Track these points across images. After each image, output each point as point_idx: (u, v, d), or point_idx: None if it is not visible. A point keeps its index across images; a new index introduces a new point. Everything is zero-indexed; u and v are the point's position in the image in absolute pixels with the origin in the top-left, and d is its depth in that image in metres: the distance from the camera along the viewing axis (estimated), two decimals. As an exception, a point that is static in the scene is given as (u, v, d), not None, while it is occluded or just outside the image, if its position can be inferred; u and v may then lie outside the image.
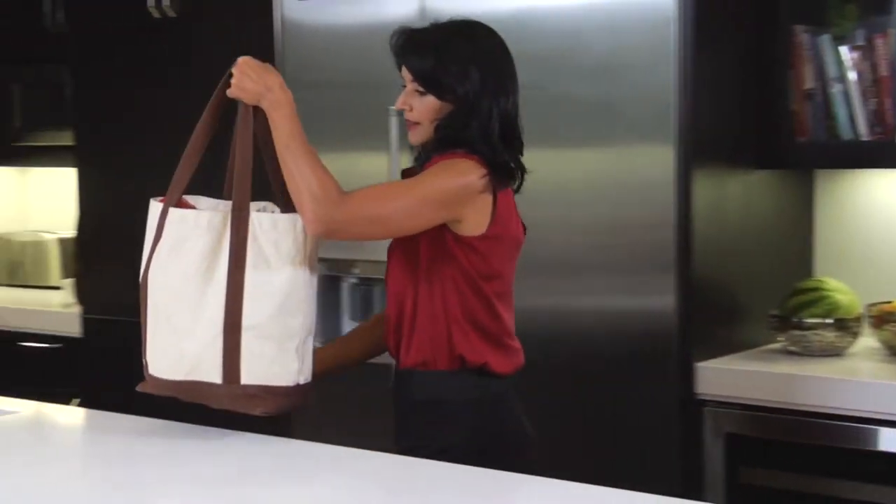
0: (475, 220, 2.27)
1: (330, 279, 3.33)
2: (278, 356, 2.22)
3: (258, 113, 2.26)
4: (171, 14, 3.77)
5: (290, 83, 3.29)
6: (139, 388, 2.28)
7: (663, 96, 2.79)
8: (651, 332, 2.84)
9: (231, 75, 2.26)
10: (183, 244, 2.21)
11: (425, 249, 2.29)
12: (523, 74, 2.94)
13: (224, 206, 2.27)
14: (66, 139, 4.21)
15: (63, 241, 4.50)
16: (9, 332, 4.19)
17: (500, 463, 2.13)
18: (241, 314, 2.19)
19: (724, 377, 2.84)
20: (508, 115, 2.32)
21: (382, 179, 3.11)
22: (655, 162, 2.82)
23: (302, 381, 2.26)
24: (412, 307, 2.32)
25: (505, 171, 2.31)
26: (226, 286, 2.19)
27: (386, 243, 2.41)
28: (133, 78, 3.92)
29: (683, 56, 2.79)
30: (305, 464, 2.15)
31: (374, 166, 3.17)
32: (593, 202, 2.90)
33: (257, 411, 2.21)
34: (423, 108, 2.32)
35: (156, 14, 3.79)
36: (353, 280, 3.33)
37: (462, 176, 2.25)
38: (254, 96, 2.25)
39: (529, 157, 2.99)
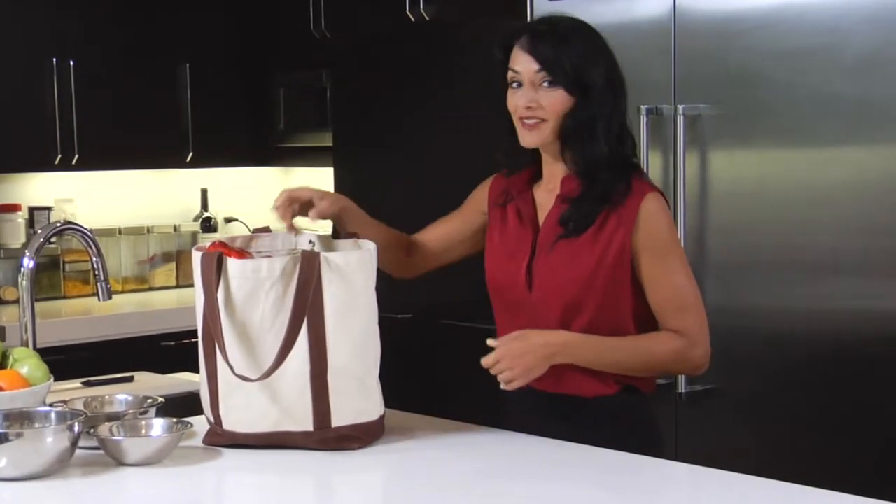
0: None
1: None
2: (363, 392, 2.18)
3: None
4: (428, 18, 3.87)
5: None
6: (207, 441, 2.20)
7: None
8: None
9: None
10: (256, 294, 2.11)
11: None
12: (781, 71, 2.90)
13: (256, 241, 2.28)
14: (326, 140, 4.39)
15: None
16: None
17: None
18: (326, 360, 2.12)
19: None
20: (625, 111, 2.30)
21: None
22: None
23: (383, 411, 2.23)
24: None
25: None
26: (307, 335, 2.11)
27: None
28: (389, 81, 4.04)
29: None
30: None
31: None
32: (855, 202, 2.81)
33: (353, 448, 2.16)
34: (550, 103, 2.23)
35: (412, 18, 3.89)
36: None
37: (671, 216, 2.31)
38: (541, 368, 2.18)
39: (787, 157, 2.94)
